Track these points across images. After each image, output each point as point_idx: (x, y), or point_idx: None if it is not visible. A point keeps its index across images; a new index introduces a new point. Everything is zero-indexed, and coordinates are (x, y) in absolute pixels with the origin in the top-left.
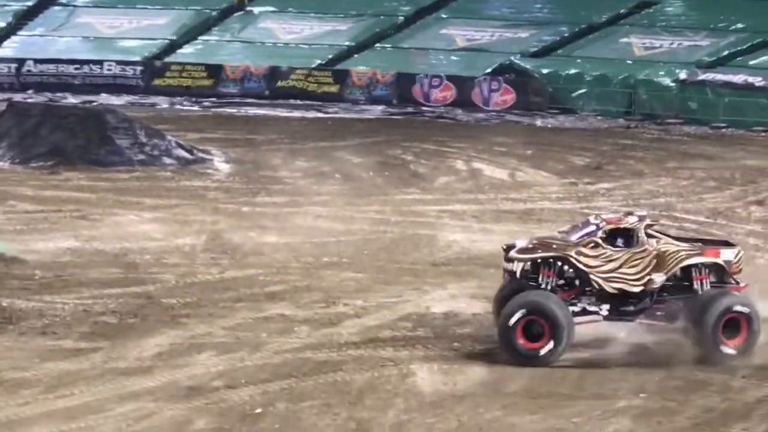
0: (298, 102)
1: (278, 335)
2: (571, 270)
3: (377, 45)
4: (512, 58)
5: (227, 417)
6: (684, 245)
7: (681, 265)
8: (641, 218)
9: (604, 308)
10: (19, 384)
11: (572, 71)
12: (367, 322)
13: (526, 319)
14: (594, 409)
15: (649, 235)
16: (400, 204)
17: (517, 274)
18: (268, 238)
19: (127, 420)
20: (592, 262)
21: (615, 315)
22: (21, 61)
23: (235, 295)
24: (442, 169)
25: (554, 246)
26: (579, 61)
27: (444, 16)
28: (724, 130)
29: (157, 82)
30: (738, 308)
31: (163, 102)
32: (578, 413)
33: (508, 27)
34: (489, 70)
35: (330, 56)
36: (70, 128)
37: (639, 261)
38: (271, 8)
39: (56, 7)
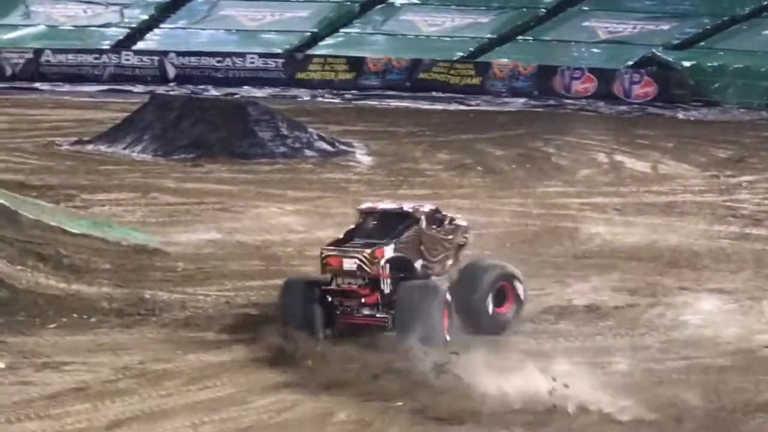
0: (440, 94)
1: None
2: None
3: (519, 37)
4: (654, 50)
5: (368, 410)
6: None
7: None
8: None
9: None
10: (162, 376)
11: (715, 63)
12: None
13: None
14: None
15: None
16: (541, 196)
17: None
18: None
19: (268, 412)
20: None
21: None
22: (164, 54)
23: None
24: (583, 162)
25: None
26: (721, 53)
27: (586, 8)
28: None
29: (299, 75)
30: None
31: (304, 94)
32: None
33: (650, 19)
34: (631, 63)
35: (471, 49)
36: (212, 120)
37: None
38: (414, 0)
39: (199, 0)
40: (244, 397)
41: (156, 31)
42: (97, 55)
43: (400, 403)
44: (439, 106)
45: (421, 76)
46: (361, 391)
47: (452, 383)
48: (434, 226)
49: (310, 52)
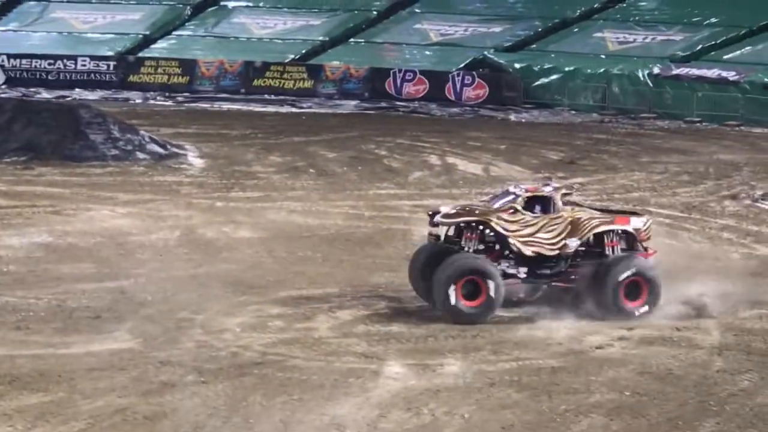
0: (272, 97)
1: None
2: (492, 234)
3: (351, 40)
4: (486, 52)
5: None
6: (597, 213)
7: (594, 231)
8: (557, 187)
9: (522, 271)
10: None
11: (546, 65)
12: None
13: (464, 280)
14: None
15: (565, 203)
16: (374, 199)
17: (442, 238)
18: (242, 233)
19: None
20: (511, 227)
21: (532, 277)
22: None
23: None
24: (416, 164)
25: (476, 211)
26: (553, 55)
27: (418, 10)
28: (697, 124)
29: (132, 78)
30: (639, 272)
31: (136, 97)
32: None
33: (481, 22)
34: (462, 65)
35: (303, 51)
36: (43, 123)
37: (555, 227)
38: (245, 3)
39: (30, 2)
40: (76, 402)
41: None
42: None
43: None
44: (271, 109)
45: (255, 83)
46: None
47: None
48: None
49: (142, 54)
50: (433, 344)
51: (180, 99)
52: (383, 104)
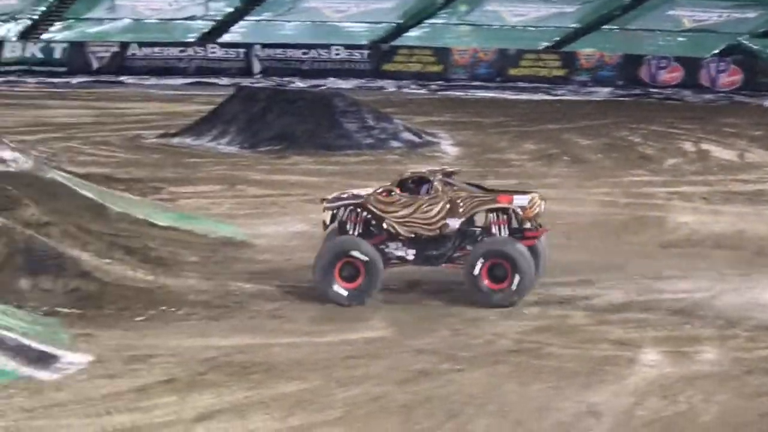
0: (526, 84)
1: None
2: (370, 216)
3: (604, 27)
4: (740, 38)
5: None
6: (479, 193)
7: (475, 211)
8: (437, 170)
9: (411, 253)
10: (249, 368)
11: None
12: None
13: (342, 262)
14: None
15: (446, 184)
16: (628, 186)
17: (327, 222)
18: None
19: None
20: (388, 208)
21: (420, 260)
22: (249, 46)
23: None
24: (670, 151)
25: (358, 195)
26: None
27: None
28: None
29: (385, 66)
30: (500, 250)
31: (390, 85)
32: None
33: (735, 7)
34: (716, 51)
35: (557, 38)
36: (298, 113)
37: (432, 207)
38: None
39: None
40: (332, 390)
41: (241, 23)
42: (183, 48)
43: None
44: (524, 96)
45: (509, 71)
46: None
47: None
48: None
49: (395, 43)
50: (690, 331)
51: (433, 87)
52: (637, 91)
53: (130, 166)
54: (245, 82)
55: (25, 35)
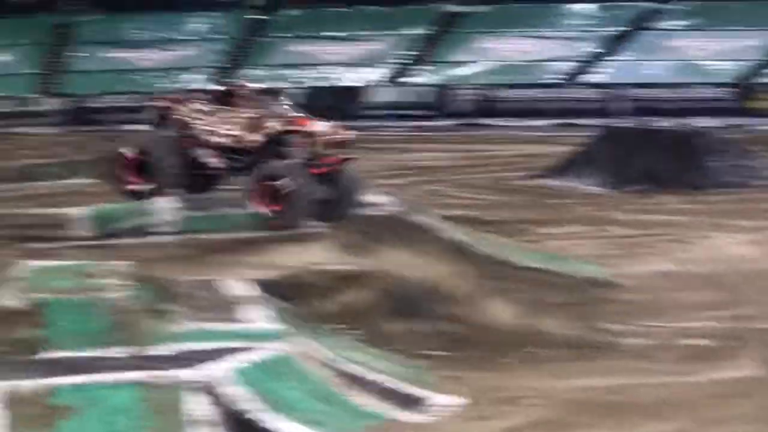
0: None
1: None
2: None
3: None
4: None
5: None
6: (285, 114)
7: (272, 130)
8: (254, 88)
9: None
10: (621, 406)
11: None
12: None
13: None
14: None
15: (261, 101)
16: None
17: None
18: None
19: None
20: (193, 115)
21: (230, 170)
22: (614, 86)
23: None
24: None
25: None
26: None
27: None
28: None
29: (749, 104)
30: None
31: (755, 123)
32: None
33: None
34: None
35: None
36: (663, 152)
37: (237, 121)
38: None
39: (647, 32)
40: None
41: (605, 63)
42: (546, 89)
43: None
44: None
45: None
46: None
47: None
48: None
49: (761, 80)
50: None
51: None
52: None
53: (495, 208)
54: (611, 122)
55: (392, 79)
